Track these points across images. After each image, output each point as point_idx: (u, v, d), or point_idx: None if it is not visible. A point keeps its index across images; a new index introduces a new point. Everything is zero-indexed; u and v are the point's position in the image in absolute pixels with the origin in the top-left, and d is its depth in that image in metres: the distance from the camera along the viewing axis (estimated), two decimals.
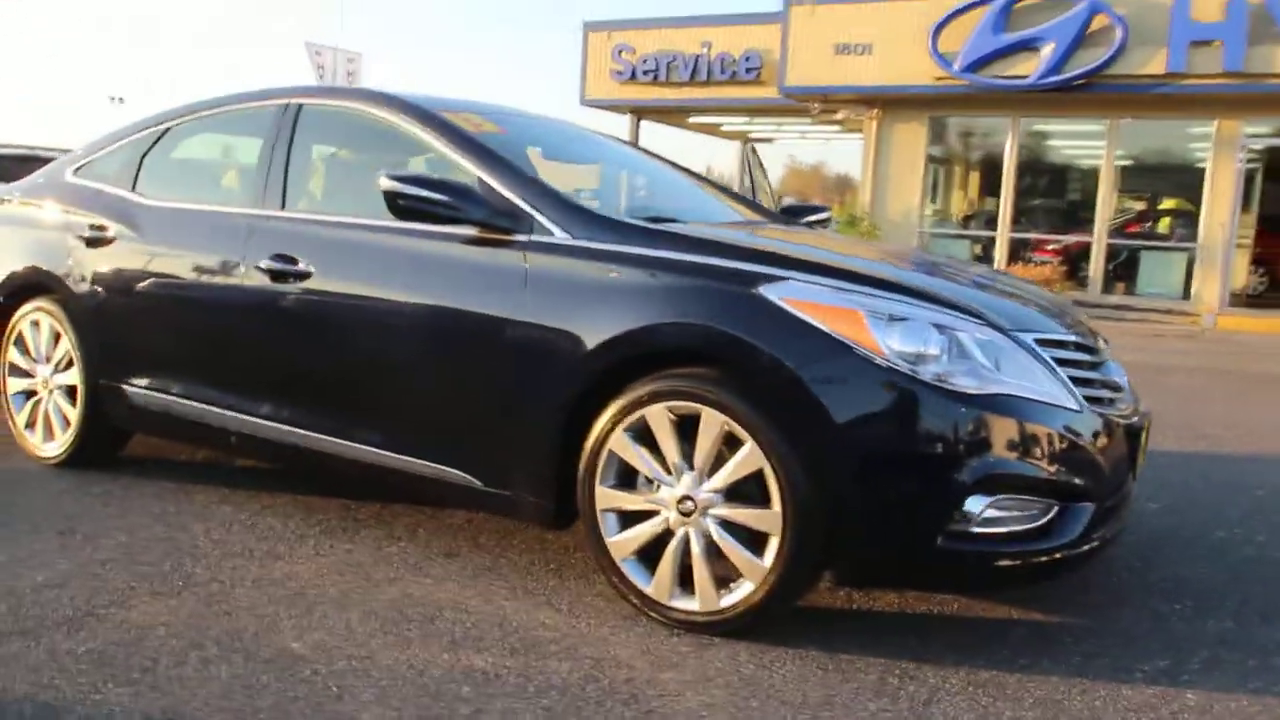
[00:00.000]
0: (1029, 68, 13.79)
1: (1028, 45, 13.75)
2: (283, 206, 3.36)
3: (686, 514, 2.55)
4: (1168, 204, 15.95)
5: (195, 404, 3.48)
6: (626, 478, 2.67)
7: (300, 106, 3.49)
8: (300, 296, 3.17)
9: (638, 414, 2.58)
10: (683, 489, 2.56)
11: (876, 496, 2.36)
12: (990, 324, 2.48)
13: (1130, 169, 15.39)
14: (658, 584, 2.61)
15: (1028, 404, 2.40)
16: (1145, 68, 13.06)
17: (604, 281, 2.66)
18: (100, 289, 3.71)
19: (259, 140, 3.56)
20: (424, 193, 2.80)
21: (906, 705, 2.24)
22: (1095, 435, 2.51)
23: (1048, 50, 13.57)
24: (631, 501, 2.64)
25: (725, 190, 4.34)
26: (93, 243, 3.77)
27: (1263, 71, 12.35)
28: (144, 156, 3.88)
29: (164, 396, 3.57)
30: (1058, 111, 14.70)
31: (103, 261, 3.72)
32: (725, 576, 2.53)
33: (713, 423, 2.48)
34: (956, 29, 14.25)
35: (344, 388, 3.13)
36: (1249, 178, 14.66)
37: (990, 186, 16.24)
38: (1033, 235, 15.58)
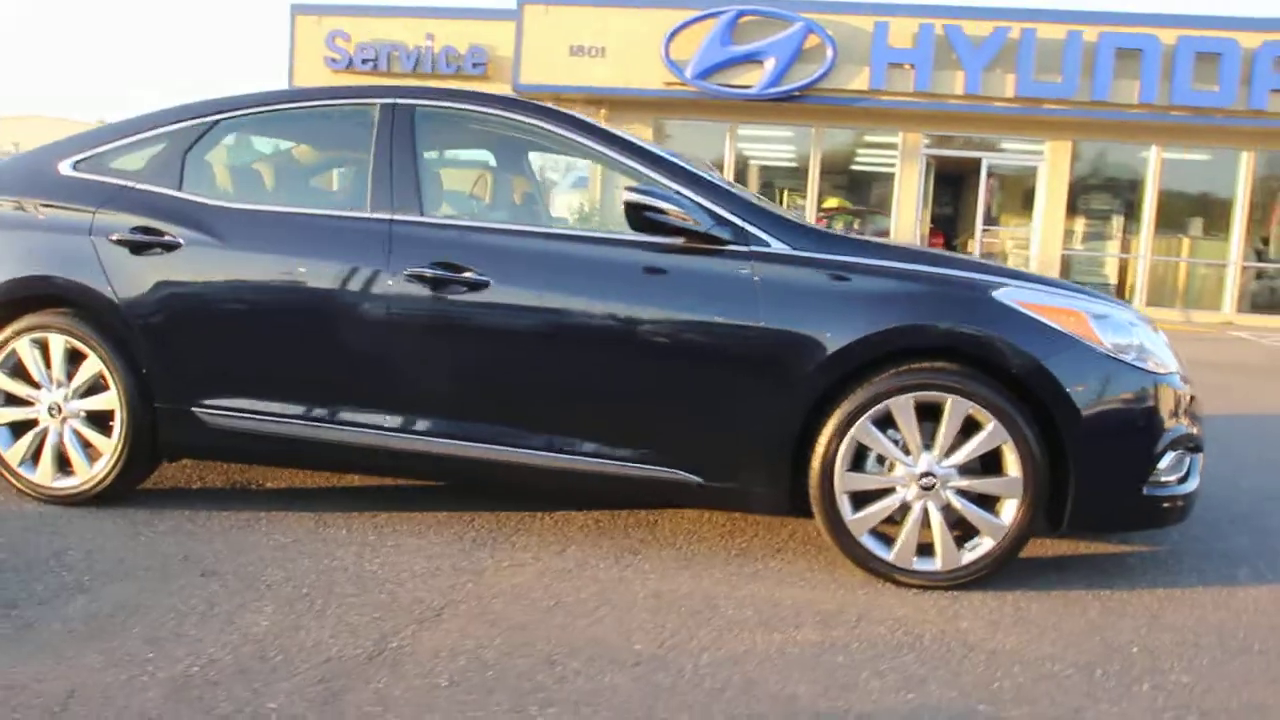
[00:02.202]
0: (753, 78, 15.17)
1: (752, 58, 15.12)
2: (421, 212, 3.23)
3: (927, 488, 2.93)
4: (830, 203, 18.20)
5: (309, 424, 3.24)
6: (857, 462, 2.99)
7: (413, 108, 3.34)
8: (478, 306, 3.09)
9: (883, 404, 2.91)
10: (922, 466, 2.93)
11: (1105, 457, 2.89)
12: (1140, 317, 3.11)
13: (828, 173, 17.39)
14: (900, 551, 2.96)
15: (1179, 379, 3.05)
16: (851, 84, 14.89)
17: (839, 289, 2.95)
18: (161, 301, 3.30)
19: (349, 140, 3.38)
20: (665, 205, 2.91)
21: (1130, 622, 2.80)
22: (1194, 400, 3.23)
23: (769, 64, 15.03)
24: (872, 482, 2.96)
25: None
26: (141, 248, 3.33)
27: (945, 92, 14.59)
28: (187, 152, 3.47)
29: (257, 417, 3.28)
30: (773, 119, 16.28)
31: (162, 270, 3.31)
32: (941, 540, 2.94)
33: (958, 409, 2.88)
34: (687, 38, 15.31)
35: (541, 398, 3.11)
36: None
37: None
38: None
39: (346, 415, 3.22)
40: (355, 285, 3.19)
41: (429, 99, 3.39)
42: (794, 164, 16.91)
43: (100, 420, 3.41)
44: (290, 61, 18.22)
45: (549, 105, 3.32)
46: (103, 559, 2.98)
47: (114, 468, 3.37)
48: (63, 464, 3.45)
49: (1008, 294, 2.93)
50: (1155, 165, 15.37)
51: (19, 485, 3.46)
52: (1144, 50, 13.98)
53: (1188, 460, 3.10)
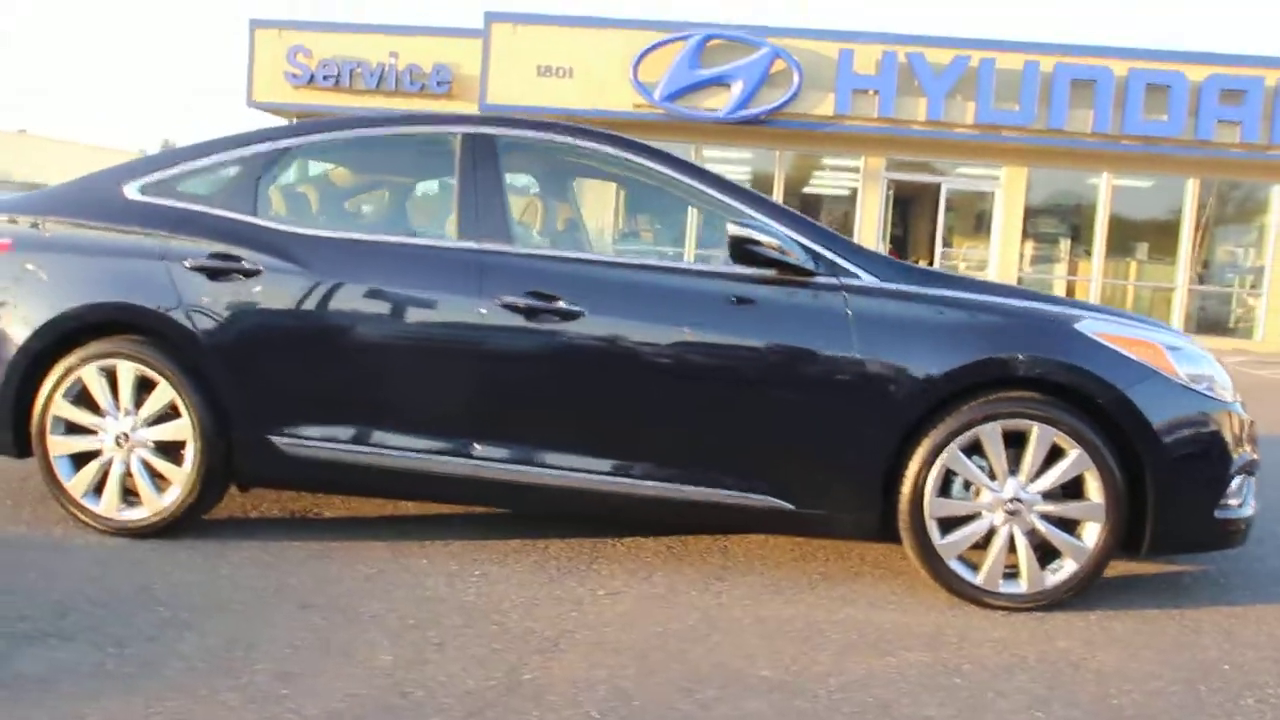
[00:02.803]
0: (721, 102, 15.38)
1: (719, 81, 15.35)
2: (509, 242, 3.25)
3: (1013, 513, 3.03)
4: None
5: (394, 453, 3.23)
6: (943, 488, 3.08)
7: (495, 138, 3.37)
8: (572, 336, 3.12)
9: (971, 432, 3.01)
10: (1009, 492, 3.03)
11: (1183, 483, 3.03)
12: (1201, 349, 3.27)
13: (791, 195, 17.67)
14: (988, 575, 3.06)
15: (1241, 406, 3.21)
16: (817, 109, 15.19)
17: (930, 321, 3.05)
18: (241, 328, 3.27)
19: (429, 168, 3.40)
20: (766, 238, 2.99)
21: (1210, 639, 2.94)
22: (1253, 425, 3.39)
23: (737, 88, 15.26)
24: (961, 508, 3.06)
25: None
26: (218, 274, 3.30)
27: (907, 118, 14.96)
28: (261, 178, 3.44)
29: (339, 447, 3.26)
30: (740, 141, 16.51)
31: (241, 297, 3.28)
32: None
33: (1044, 437, 2.99)
34: (656, 61, 15.48)
35: (635, 427, 3.14)
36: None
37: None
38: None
39: (432, 444, 3.22)
40: (445, 314, 3.20)
41: (512, 129, 3.42)
42: (758, 185, 17.15)
43: (166, 450, 3.36)
44: (249, 76, 17.98)
45: (638, 140, 3.38)
46: (191, 593, 2.94)
47: (186, 498, 3.32)
48: (125, 494, 3.39)
49: (1088, 326, 3.06)
50: (1106, 191, 15.93)
51: (82, 517, 3.39)
52: (1098, 81, 14.51)
53: (1247, 484, 3.26)
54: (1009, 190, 16.06)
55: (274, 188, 3.46)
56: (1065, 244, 16.77)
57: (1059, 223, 16.91)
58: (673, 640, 2.74)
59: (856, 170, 16.37)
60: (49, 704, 2.24)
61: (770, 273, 3.11)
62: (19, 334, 3.38)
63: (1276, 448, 5.34)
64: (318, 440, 3.26)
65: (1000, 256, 16.02)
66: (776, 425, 3.10)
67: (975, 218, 17.16)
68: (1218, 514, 3.08)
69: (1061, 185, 16.51)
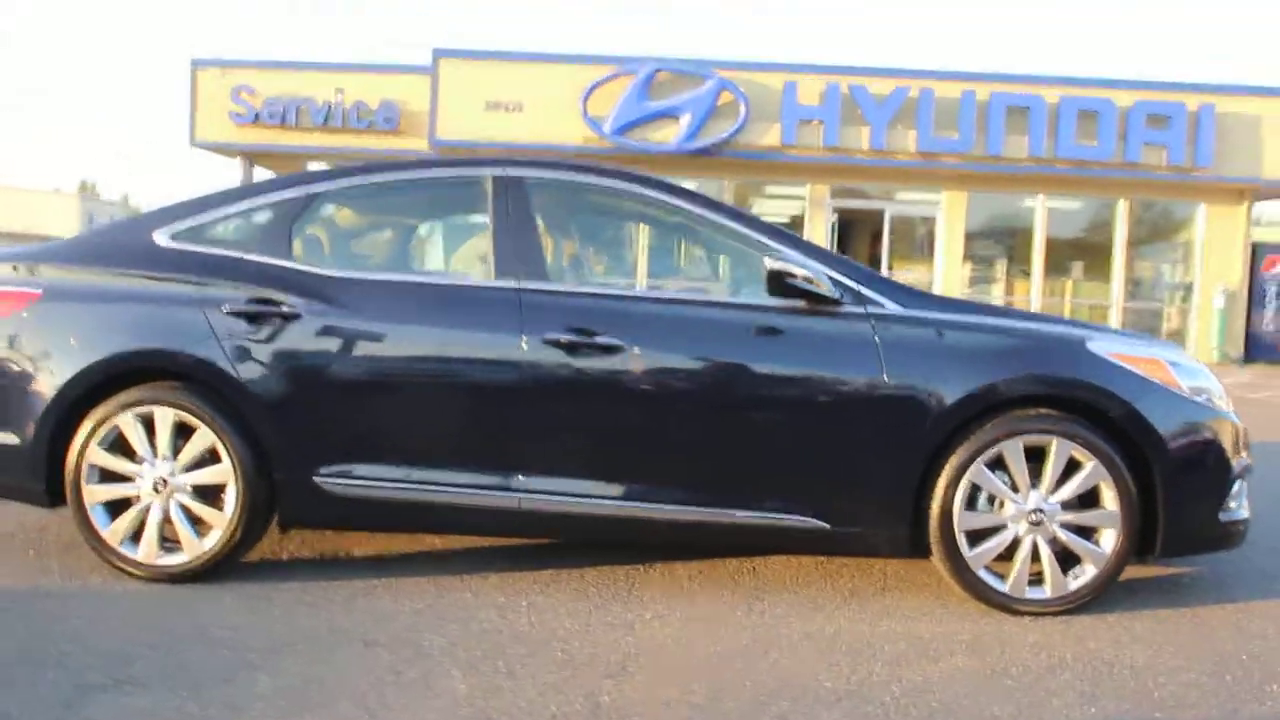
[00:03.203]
0: (670, 134, 15.67)
1: (668, 114, 15.63)
2: (546, 279, 3.37)
3: (1035, 523, 3.22)
4: None
5: (441, 489, 3.30)
6: (969, 502, 3.26)
7: (521, 179, 3.49)
8: (614, 370, 3.24)
9: (995, 448, 3.20)
10: (1031, 504, 3.22)
11: (1191, 489, 3.24)
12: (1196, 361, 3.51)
13: None
14: (1014, 582, 3.24)
15: (1235, 415, 3.45)
16: (764, 140, 15.56)
17: (953, 345, 3.24)
18: (283, 371, 3.32)
19: (460, 210, 3.50)
20: (803, 271, 3.16)
21: (1224, 633, 3.15)
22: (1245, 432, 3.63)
23: (685, 120, 15.56)
24: (987, 520, 3.23)
25: None
26: (257, 319, 3.35)
27: (852, 147, 15.40)
28: (294, 223, 3.51)
29: (385, 484, 3.32)
30: (689, 172, 16.77)
31: (282, 341, 3.33)
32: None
33: (1062, 450, 3.19)
34: (605, 94, 15.72)
35: (677, 456, 3.26)
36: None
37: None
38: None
39: (477, 478, 3.30)
40: (487, 351, 3.29)
41: (541, 170, 3.53)
42: None
43: (204, 494, 3.38)
44: (191, 116, 17.79)
45: (665, 179, 3.52)
46: (249, 634, 2.97)
47: (228, 541, 3.35)
48: (161, 540, 3.40)
49: (1099, 345, 3.27)
50: (1042, 213, 16.55)
51: (120, 564, 3.39)
52: (1031, 108, 15.12)
53: (1243, 488, 3.49)
54: (949, 214, 16.59)
55: (308, 232, 3.53)
56: (1003, 265, 17.35)
57: (996, 244, 17.50)
58: (735, 658, 2.86)
59: (802, 198, 16.76)
60: None
61: (800, 303, 3.27)
62: (52, 383, 3.38)
63: None
64: (364, 479, 3.31)
65: (944, 278, 16.51)
66: (812, 449, 3.25)
67: (917, 241, 17.65)
68: (1222, 516, 3.31)
69: (999, 208, 17.10)
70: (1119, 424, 3.20)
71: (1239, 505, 3.40)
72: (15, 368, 3.44)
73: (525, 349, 3.26)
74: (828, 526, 3.25)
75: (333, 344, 3.34)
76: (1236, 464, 3.33)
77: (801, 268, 3.19)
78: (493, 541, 3.93)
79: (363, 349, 3.34)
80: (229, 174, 16.98)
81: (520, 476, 3.29)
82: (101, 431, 3.35)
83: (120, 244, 3.57)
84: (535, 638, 2.99)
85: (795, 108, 15.37)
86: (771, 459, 3.26)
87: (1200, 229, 16.41)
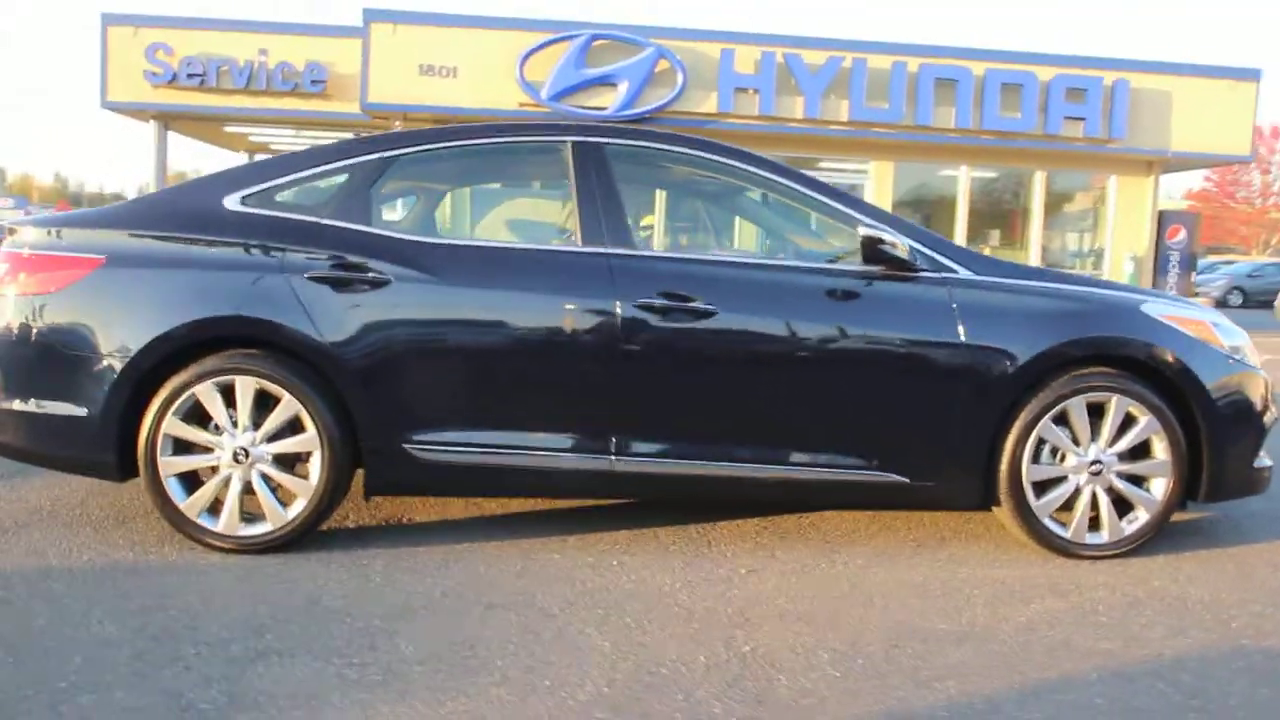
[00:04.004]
0: (608, 101, 15.61)
1: (605, 81, 15.57)
2: (634, 246, 3.43)
3: (1095, 474, 3.46)
4: (647, 220, 19.06)
5: (531, 453, 3.36)
6: (1035, 456, 3.47)
7: (603, 146, 3.54)
8: (705, 333, 3.33)
9: (1060, 405, 3.41)
10: (1091, 456, 3.46)
11: (1232, 439, 3.52)
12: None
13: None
14: (1075, 529, 3.48)
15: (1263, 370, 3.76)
16: (701, 107, 15.66)
17: (1025, 308, 3.43)
18: (373, 338, 3.30)
19: (540, 176, 3.53)
20: (893, 238, 3.29)
21: (1264, 571, 3.45)
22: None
23: (623, 87, 15.52)
24: (1051, 472, 3.46)
25: None
26: (343, 285, 3.32)
27: (786, 116, 15.64)
28: (372, 187, 3.47)
29: (476, 450, 3.35)
30: None
31: (371, 307, 3.31)
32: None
33: (1120, 406, 3.43)
34: (542, 60, 15.55)
35: (766, 416, 3.38)
36: None
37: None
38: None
39: (570, 441, 3.35)
40: (579, 316, 3.33)
41: (619, 137, 3.59)
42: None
43: (286, 463, 3.35)
44: (102, 76, 16.91)
45: (744, 148, 3.61)
46: (364, 602, 2.98)
47: (314, 510, 3.33)
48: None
49: (1152, 308, 3.52)
50: (965, 183, 17.13)
51: (199, 537, 3.34)
52: (958, 80, 15.58)
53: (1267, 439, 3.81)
54: (878, 183, 17.00)
55: (388, 197, 3.50)
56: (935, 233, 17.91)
57: (920, 214, 18.04)
58: (844, 604, 3.01)
59: None
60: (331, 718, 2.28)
61: (878, 269, 3.41)
62: (122, 353, 3.29)
63: None
64: (457, 445, 3.34)
65: None
66: (895, 408, 3.41)
67: None
68: (1255, 464, 3.60)
69: (924, 178, 17.63)
70: (1172, 380, 3.45)
71: (1265, 454, 3.71)
72: (79, 337, 3.33)
73: (619, 314, 3.32)
74: (907, 481, 3.42)
75: (424, 310, 3.34)
76: (1269, 415, 3.63)
77: (894, 235, 3.33)
78: (551, 504, 3.98)
79: (454, 314, 3.35)
80: (143, 137, 16.19)
81: (614, 438, 3.36)
82: (178, 401, 3.29)
83: (186, 208, 3.47)
84: (645, 594, 3.08)
85: (731, 76, 15.50)
86: (856, 419, 3.41)
87: (1112, 198, 17.24)
